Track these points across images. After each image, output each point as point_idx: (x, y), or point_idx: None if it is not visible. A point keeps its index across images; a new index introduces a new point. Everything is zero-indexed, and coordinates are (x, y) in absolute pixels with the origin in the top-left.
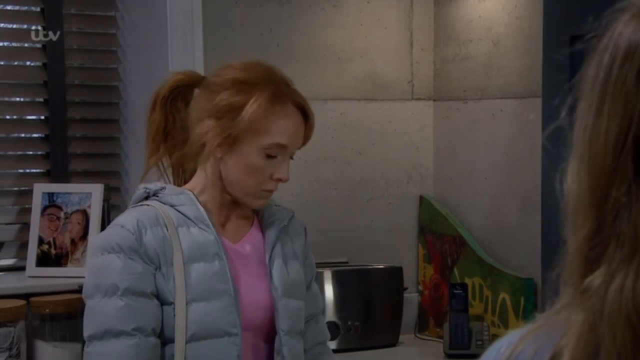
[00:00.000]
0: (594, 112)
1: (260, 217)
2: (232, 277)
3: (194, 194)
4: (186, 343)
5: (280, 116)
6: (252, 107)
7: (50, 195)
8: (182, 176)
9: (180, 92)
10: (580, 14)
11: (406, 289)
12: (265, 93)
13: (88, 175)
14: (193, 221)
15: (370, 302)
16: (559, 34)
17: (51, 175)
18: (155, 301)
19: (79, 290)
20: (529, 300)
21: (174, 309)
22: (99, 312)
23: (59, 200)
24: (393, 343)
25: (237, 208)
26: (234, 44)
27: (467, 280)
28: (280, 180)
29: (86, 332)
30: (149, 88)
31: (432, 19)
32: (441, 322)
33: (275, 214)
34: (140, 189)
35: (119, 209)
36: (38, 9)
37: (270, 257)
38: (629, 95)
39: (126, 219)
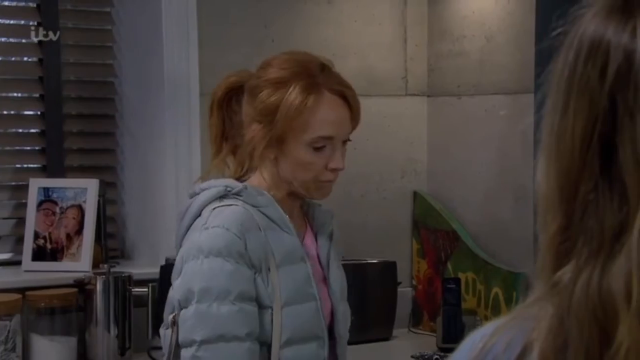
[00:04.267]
0: (560, 109)
1: (309, 217)
2: (314, 281)
3: (271, 195)
4: (280, 348)
5: (317, 107)
6: (285, 105)
7: (46, 190)
8: (242, 174)
9: (235, 94)
10: (573, 9)
11: (400, 283)
12: (297, 88)
13: (84, 171)
14: (277, 224)
15: (365, 296)
16: (552, 29)
17: (47, 171)
18: (257, 306)
19: (74, 284)
20: (521, 294)
21: (272, 313)
22: (212, 316)
23: (54, 195)
24: (387, 337)
25: (297, 206)
26: (229, 39)
27: (461, 275)
28: (336, 169)
29: (196, 337)
30: (145, 84)
31: (426, 15)
32: (435, 316)
33: (321, 216)
34: (219, 186)
35: (115, 204)
36: (34, 5)
37: (327, 260)
38: (593, 92)
39: (229, 221)
